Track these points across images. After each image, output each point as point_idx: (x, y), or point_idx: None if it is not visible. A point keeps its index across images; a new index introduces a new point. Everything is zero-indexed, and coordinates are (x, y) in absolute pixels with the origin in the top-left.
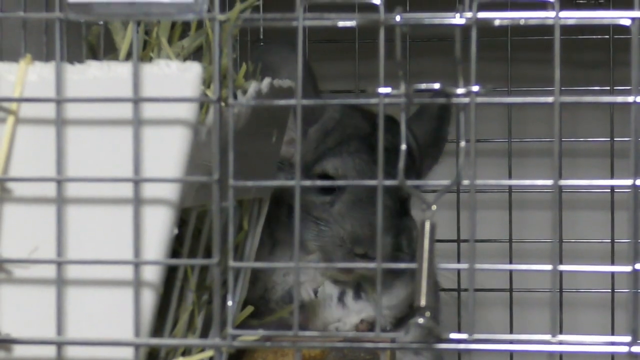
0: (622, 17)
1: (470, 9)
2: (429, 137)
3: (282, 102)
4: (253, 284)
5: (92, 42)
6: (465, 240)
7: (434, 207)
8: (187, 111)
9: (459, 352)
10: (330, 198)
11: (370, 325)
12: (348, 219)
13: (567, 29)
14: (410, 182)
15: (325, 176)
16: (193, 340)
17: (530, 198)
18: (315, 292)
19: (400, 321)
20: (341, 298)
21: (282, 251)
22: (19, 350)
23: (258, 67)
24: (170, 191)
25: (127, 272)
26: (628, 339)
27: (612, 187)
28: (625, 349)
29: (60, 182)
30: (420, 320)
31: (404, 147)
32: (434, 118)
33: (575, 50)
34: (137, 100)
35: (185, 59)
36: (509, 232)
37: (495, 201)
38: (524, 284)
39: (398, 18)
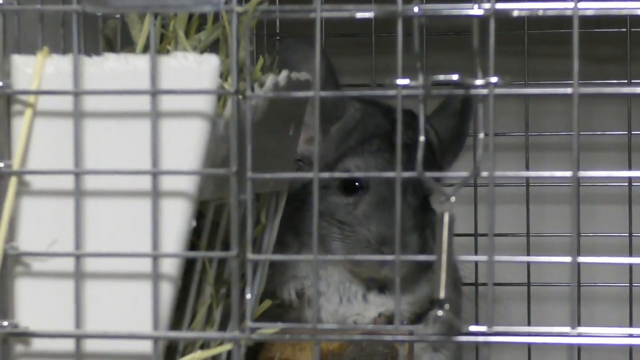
0: None
1: (488, 0)
2: (450, 132)
3: (300, 93)
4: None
5: (109, 35)
6: (483, 235)
7: (452, 199)
8: (205, 103)
9: (477, 345)
10: (354, 199)
11: (388, 319)
12: (373, 220)
13: (583, 22)
14: (429, 174)
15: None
16: (211, 334)
17: (548, 192)
18: (299, 294)
19: (419, 317)
20: (365, 296)
21: (308, 253)
22: (37, 343)
23: (276, 60)
24: (188, 183)
25: (145, 265)
26: None
27: (630, 179)
28: None
29: (78, 174)
30: (439, 313)
31: (422, 138)
32: (456, 114)
33: (592, 44)
34: (154, 93)
35: (202, 52)
36: (526, 226)
37: (512, 195)
38: (541, 278)
39: (416, 9)
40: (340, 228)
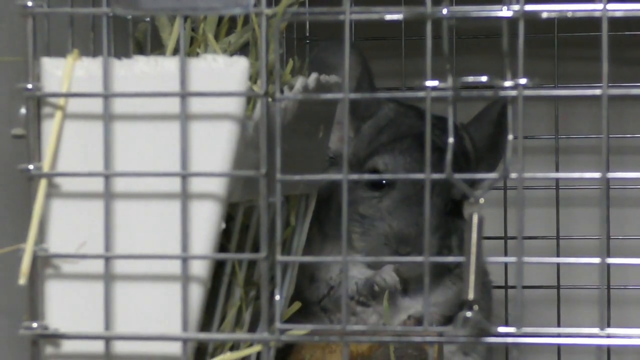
0: None
1: (517, 2)
2: (486, 141)
3: (329, 96)
4: (312, 283)
5: (139, 38)
6: (512, 237)
7: (481, 200)
8: (234, 106)
9: (507, 348)
10: (379, 194)
11: (418, 322)
12: (395, 217)
13: (613, 25)
14: (457, 176)
15: (375, 172)
16: (241, 335)
17: (578, 194)
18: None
19: (448, 320)
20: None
21: (332, 246)
22: (67, 345)
23: (310, 61)
24: (218, 185)
25: (175, 267)
26: None
27: None
28: None
29: (107, 177)
30: (468, 314)
31: (451, 140)
32: (493, 123)
33: (623, 47)
34: (184, 95)
35: (232, 54)
36: (556, 228)
37: (542, 198)
38: (571, 281)
39: (445, 11)
40: (360, 222)
